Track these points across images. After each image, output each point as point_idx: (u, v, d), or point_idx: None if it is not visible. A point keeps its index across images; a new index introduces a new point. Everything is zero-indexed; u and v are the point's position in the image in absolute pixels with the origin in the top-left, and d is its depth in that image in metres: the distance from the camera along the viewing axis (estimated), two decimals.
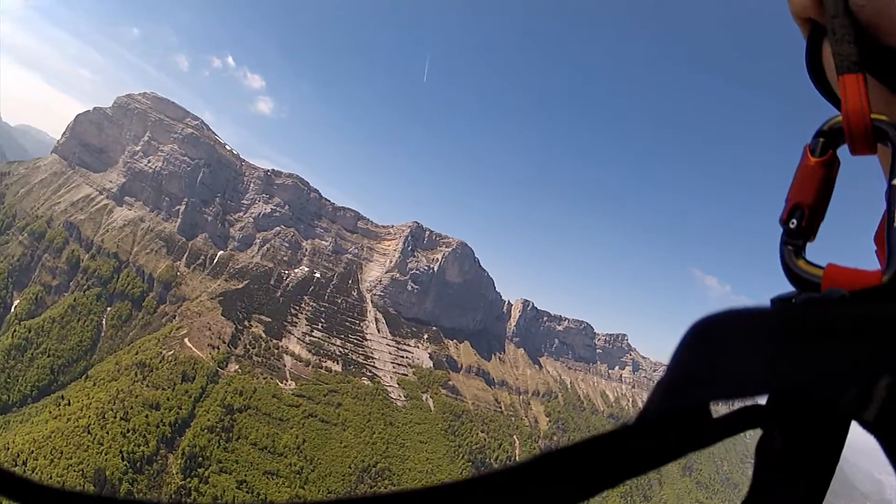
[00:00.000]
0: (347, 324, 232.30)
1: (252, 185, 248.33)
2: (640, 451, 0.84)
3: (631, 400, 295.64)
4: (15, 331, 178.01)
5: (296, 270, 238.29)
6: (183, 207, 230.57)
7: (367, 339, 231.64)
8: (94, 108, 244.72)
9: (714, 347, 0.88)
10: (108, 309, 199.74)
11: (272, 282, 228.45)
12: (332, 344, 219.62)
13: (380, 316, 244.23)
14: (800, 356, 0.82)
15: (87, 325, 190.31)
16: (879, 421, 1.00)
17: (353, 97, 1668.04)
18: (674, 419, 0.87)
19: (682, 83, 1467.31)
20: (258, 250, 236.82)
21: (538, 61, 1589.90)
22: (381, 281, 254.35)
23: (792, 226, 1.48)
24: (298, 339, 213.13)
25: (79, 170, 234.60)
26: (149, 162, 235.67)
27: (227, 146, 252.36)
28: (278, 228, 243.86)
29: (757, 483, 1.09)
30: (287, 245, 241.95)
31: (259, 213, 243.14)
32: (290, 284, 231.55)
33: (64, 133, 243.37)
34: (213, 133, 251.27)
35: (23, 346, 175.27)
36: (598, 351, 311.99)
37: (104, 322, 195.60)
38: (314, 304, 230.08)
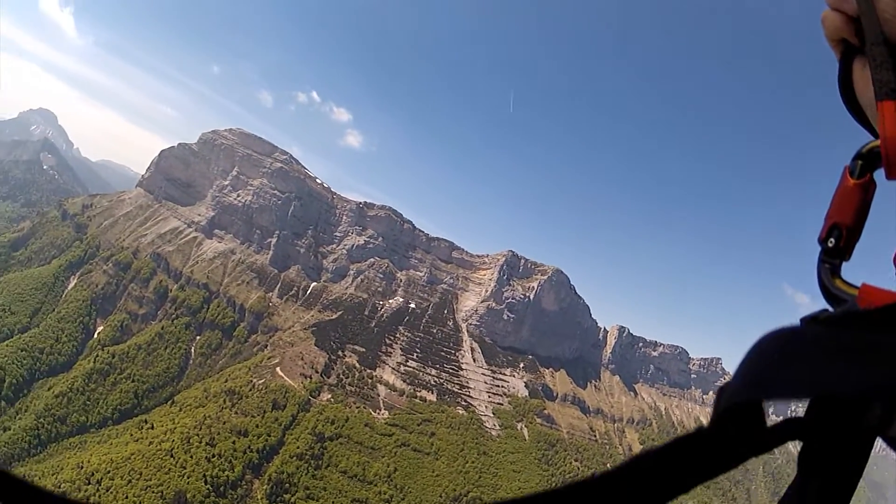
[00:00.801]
0: (443, 353, 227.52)
1: (344, 217, 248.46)
2: (715, 455, 0.92)
3: None
4: (97, 356, 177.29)
5: (390, 301, 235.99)
6: (275, 240, 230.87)
7: (462, 369, 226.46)
8: (179, 144, 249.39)
9: (768, 359, 0.97)
10: (198, 338, 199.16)
11: (366, 312, 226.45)
12: (427, 374, 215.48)
13: (475, 345, 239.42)
14: (830, 371, 0.90)
15: (175, 353, 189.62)
16: None
17: (441, 128, 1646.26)
18: (739, 425, 0.96)
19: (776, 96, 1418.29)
20: (352, 281, 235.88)
21: (629, 87, 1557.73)
22: (476, 310, 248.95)
23: (830, 245, 1.55)
24: (393, 368, 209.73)
25: (165, 203, 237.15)
26: (238, 196, 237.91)
27: (317, 179, 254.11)
28: (372, 260, 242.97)
29: (792, 490, 1.19)
30: (381, 276, 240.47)
31: (352, 245, 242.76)
32: (385, 315, 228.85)
33: (148, 168, 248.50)
34: (303, 167, 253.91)
35: (105, 371, 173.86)
36: (692, 376, 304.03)
37: (193, 350, 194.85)
38: (409, 335, 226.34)
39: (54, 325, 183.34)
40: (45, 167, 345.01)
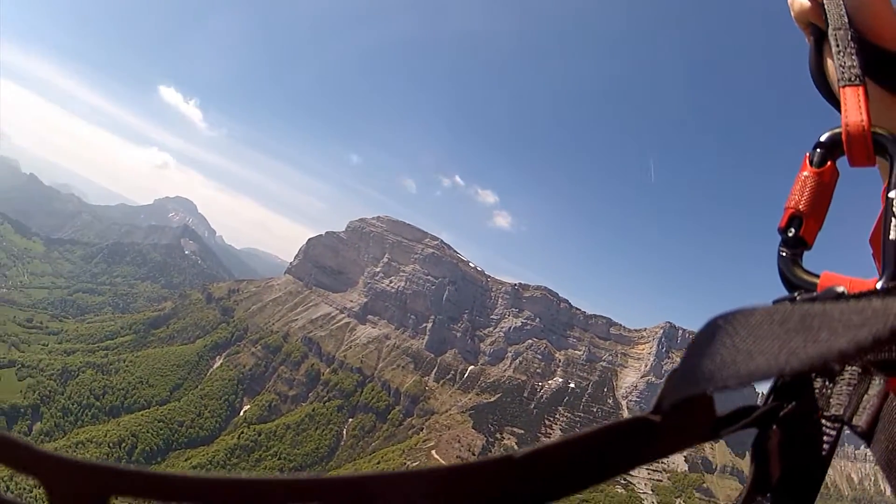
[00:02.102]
0: None
1: (500, 299, 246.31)
2: (654, 440, 0.85)
3: (873, 480, 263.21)
4: (243, 432, 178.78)
5: (549, 382, 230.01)
6: (430, 324, 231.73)
7: None
8: (327, 233, 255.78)
9: (719, 341, 0.89)
10: (350, 420, 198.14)
11: (525, 394, 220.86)
12: None
13: None
14: (793, 352, 0.81)
15: (326, 434, 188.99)
16: (871, 429, 1.09)
17: (588, 202, 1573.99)
18: (682, 410, 0.88)
19: None
20: (510, 363, 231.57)
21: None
22: (636, 386, 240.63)
23: (790, 234, 1.48)
24: None
25: (316, 290, 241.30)
26: (391, 282, 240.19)
27: (470, 263, 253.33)
28: (530, 341, 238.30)
29: (751, 483, 1.11)
30: (540, 357, 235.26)
31: (510, 327, 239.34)
32: (544, 396, 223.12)
33: (297, 256, 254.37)
34: (455, 251, 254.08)
35: (250, 447, 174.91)
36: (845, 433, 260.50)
37: (345, 432, 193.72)
38: (569, 415, 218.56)
39: (196, 401, 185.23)
40: (186, 252, 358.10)
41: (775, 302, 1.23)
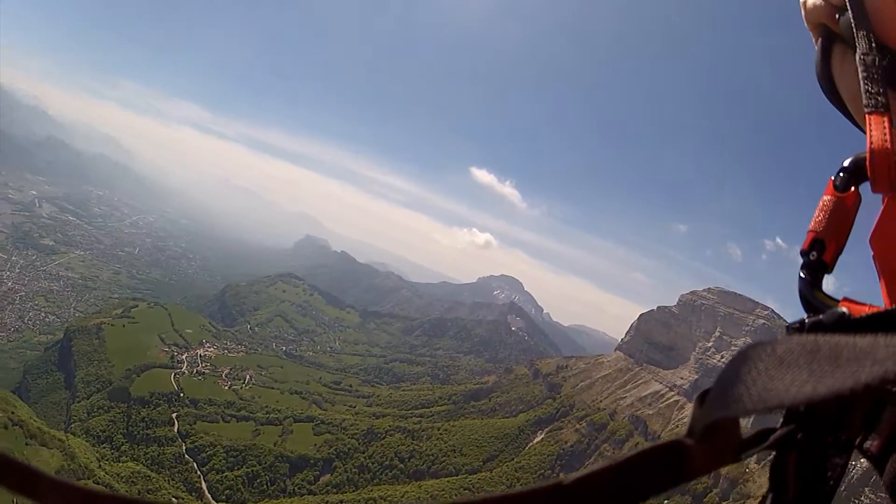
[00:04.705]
0: None
1: None
2: (686, 463, 0.97)
3: None
4: None
5: (862, 460, 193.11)
6: None
7: None
8: (659, 308, 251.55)
9: (749, 368, 0.97)
10: (665, 502, 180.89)
11: None
12: None
13: None
14: (820, 381, 0.91)
15: None
16: (882, 454, 1.20)
17: None
18: (712, 434, 0.99)
19: None
20: None
21: None
22: None
23: (812, 258, 1.58)
24: None
25: (646, 367, 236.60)
26: (722, 357, 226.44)
27: None
28: None
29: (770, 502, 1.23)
30: None
31: None
32: (854, 477, 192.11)
33: (628, 332, 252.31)
34: (785, 321, 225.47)
35: None
36: None
37: None
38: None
39: (510, 473, 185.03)
40: (513, 328, 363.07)
41: (788, 328, 1.39)
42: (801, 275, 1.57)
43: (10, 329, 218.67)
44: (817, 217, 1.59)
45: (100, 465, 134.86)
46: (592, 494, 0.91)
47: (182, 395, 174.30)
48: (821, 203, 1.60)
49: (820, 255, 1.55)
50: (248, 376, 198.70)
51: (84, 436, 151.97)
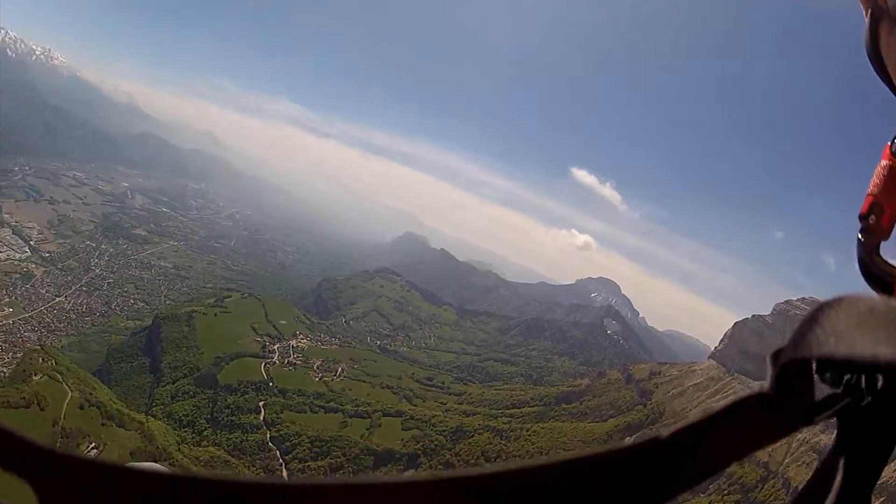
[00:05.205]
0: None
1: None
2: (769, 418, 0.96)
3: None
4: None
5: None
6: None
7: None
8: (753, 316, 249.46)
9: (826, 319, 0.96)
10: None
11: None
12: None
13: None
14: (882, 350, 0.85)
15: None
16: None
17: None
18: (789, 387, 0.99)
19: None
20: None
21: None
22: None
23: (871, 221, 1.56)
24: None
25: (738, 376, 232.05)
26: None
27: None
28: None
29: (835, 445, 1.19)
30: None
31: None
32: None
33: (722, 340, 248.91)
34: None
35: None
36: None
37: None
38: None
39: None
40: (608, 332, 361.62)
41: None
42: (860, 238, 1.60)
43: (95, 314, 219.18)
44: (875, 181, 1.63)
45: (178, 448, 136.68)
46: (687, 451, 0.91)
47: (271, 384, 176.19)
48: (878, 168, 1.64)
49: (878, 220, 1.57)
50: (339, 369, 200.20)
51: (165, 419, 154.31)
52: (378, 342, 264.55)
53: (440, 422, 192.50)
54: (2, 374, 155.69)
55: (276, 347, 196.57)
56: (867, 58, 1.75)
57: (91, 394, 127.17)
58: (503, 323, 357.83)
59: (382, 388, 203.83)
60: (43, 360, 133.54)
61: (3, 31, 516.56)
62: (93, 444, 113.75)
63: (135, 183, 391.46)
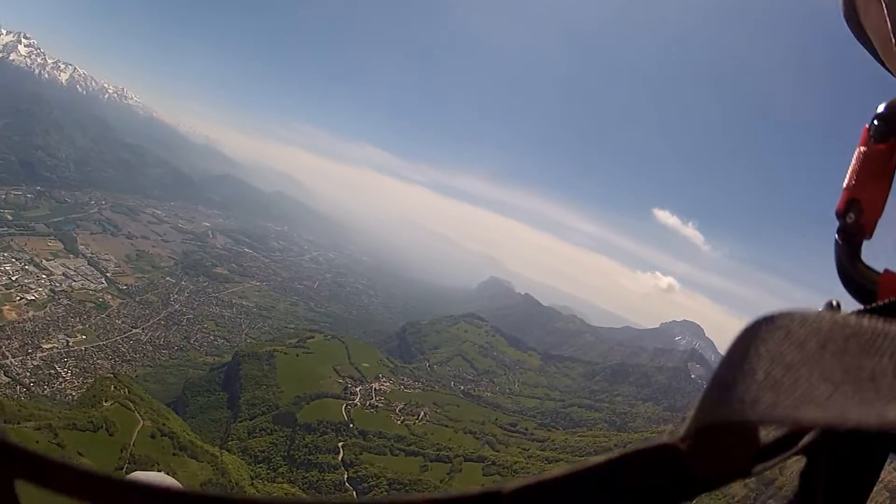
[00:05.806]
0: None
1: None
2: (681, 474, 0.78)
3: None
4: None
5: None
6: None
7: None
8: None
9: (762, 355, 0.76)
10: None
11: None
12: None
13: None
14: (847, 407, 0.67)
15: None
16: None
17: None
18: (716, 437, 0.79)
19: None
20: None
21: None
22: None
23: (849, 220, 1.38)
24: None
25: None
26: None
27: None
28: None
29: None
30: None
31: None
32: None
33: None
34: None
35: None
36: None
37: None
38: None
39: None
40: (692, 376, 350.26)
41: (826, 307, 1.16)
42: (837, 240, 1.44)
43: (173, 347, 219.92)
44: (853, 172, 1.43)
45: (251, 483, 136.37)
46: (570, 496, 0.77)
47: (352, 425, 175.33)
48: (856, 156, 1.44)
49: (857, 218, 1.39)
50: (422, 412, 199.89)
51: (240, 454, 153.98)
52: (462, 387, 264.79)
53: (522, 468, 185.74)
54: (70, 397, 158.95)
55: (357, 389, 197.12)
56: (844, 21, 1.67)
57: (164, 424, 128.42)
58: (588, 368, 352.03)
59: (465, 432, 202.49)
60: (115, 387, 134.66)
61: (71, 68, 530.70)
62: (161, 473, 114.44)
63: (216, 223, 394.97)
